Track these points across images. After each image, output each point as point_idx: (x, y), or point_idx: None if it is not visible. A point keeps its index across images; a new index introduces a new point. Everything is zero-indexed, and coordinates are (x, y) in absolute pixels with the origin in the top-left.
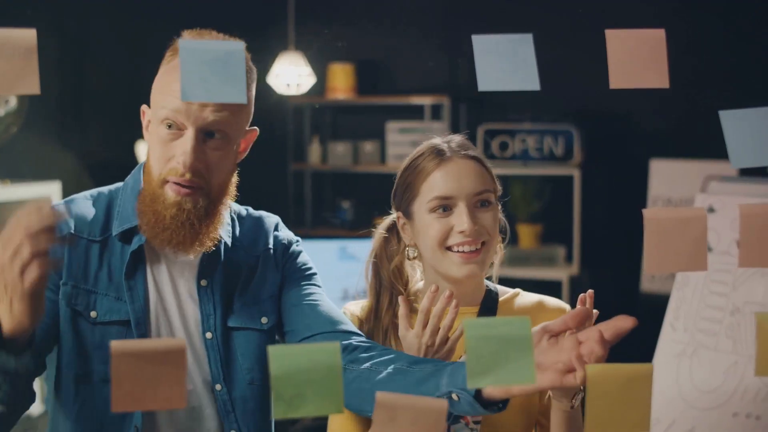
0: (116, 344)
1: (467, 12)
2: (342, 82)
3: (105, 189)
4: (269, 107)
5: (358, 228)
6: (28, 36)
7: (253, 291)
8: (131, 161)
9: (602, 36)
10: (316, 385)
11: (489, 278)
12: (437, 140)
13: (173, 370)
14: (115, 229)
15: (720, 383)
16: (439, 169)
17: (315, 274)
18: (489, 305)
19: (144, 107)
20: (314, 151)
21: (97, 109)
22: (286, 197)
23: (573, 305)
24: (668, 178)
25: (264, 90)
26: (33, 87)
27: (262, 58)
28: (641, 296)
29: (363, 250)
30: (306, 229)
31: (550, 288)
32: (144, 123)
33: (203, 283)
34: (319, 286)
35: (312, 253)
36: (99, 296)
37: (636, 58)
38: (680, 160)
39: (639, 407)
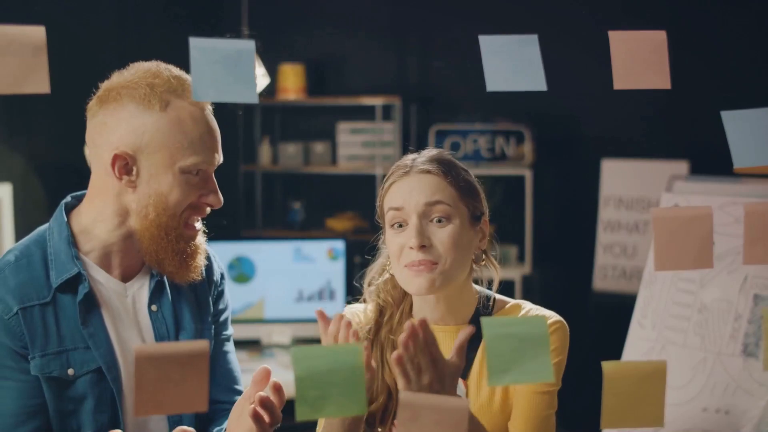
0: (139, 348)
1: (418, 12)
2: (292, 82)
3: (29, 242)
4: (218, 108)
5: (310, 229)
6: (36, 33)
7: (198, 315)
8: (80, 162)
9: (555, 36)
10: (339, 386)
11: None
12: (411, 156)
13: (196, 373)
14: (55, 281)
15: (689, 379)
16: (397, 183)
17: (228, 317)
18: (478, 321)
19: (123, 153)
20: (265, 152)
21: (45, 110)
22: (236, 199)
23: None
24: (620, 177)
25: None
26: (43, 86)
27: None
28: (593, 294)
29: (317, 250)
30: (257, 230)
31: (503, 287)
32: (118, 168)
33: (154, 308)
34: (229, 334)
35: (266, 254)
36: (69, 352)
37: (638, 60)
38: (632, 160)
39: (653, 402)
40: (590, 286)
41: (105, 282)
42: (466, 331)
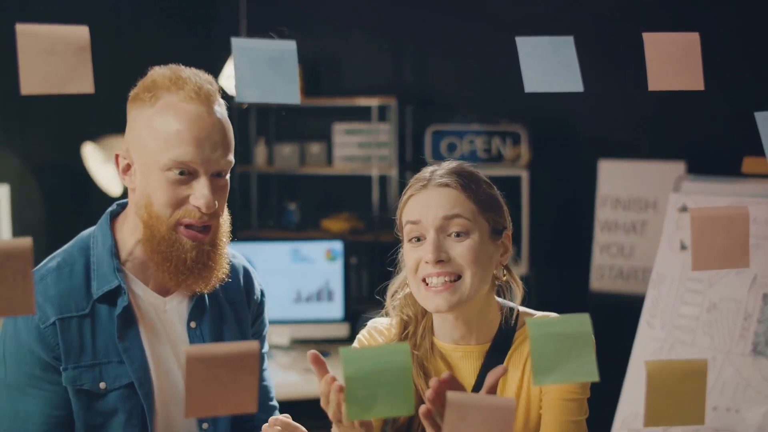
0: (190, 349)
1: (413, 13)
2: None
3: (73, 249)
4: None
5: (305, 230)
6: (80, 33)
7: (238, 332)
8: (77, 163)
9: (551, 36)
10: (388, 386)
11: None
12: (429, 168)
13: (246, 375)
14: (96, 292)
15: None
16: (415, 196)
17: (266, 335)
18: (502, 340)
19: (123, 152)
20: (260, 153)
21: (41, 111)
22: (232, 199)
23: (521, 303)
24: (617, 178)
25: None
26: (87, 86)
27: (213, 58)
28: (590, 295)
29: (315, 251)
30: (252, 231)
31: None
32: (121, 167)
33: (192, 325)
34: (265, 352)
35: (264, 255)
36: (103, 366)
37: (672, 61)
38: (629, 160)
39: (694, 400)
40: (587, 286)
41: (143, 295)
42: (497, 372)
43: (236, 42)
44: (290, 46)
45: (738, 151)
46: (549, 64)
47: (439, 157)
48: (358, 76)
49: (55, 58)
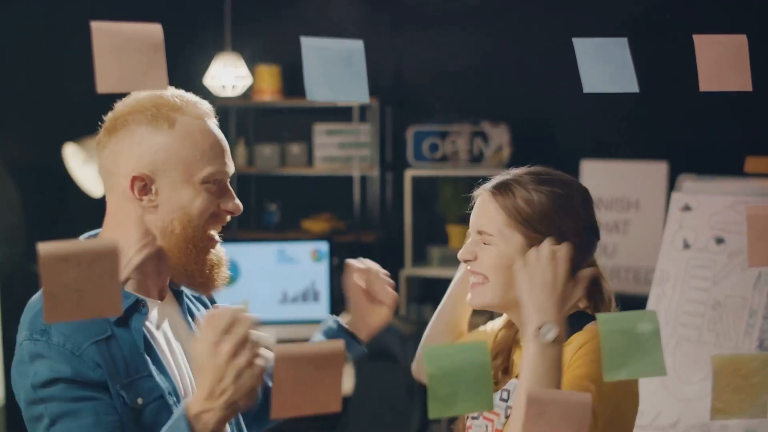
0: (280, 349)
1: (392, 12)
2: (268, 83)
3: None
4: None
5: (286, 230)
6: (154, 31)
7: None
8: (57, 164)
9: (534, 37)
10: (469, 384)
11: None
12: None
13: (331, 374)
14: (111, 317)
15: (704, 375)
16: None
17: None
18: None
19: (142, 174)
20: (240, 154)
21: (21, 112)
22: None
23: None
24: (599, 178)
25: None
26: (161, 83)
27: (198, 59)
28: None
29: (301, 252)
30: (231, 231)
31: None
32: (137, 189)
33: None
34: None
35: (250, 256)
36: (136, 381)
37: (722, 62)
38: (610, 160)
39: (760, 393)
40: None
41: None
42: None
43: (306, 41)
44: (358, 45)
45: (725, 150)
46: (606, 66)
47: (420, 158)
48: None
49: (129, 56)
